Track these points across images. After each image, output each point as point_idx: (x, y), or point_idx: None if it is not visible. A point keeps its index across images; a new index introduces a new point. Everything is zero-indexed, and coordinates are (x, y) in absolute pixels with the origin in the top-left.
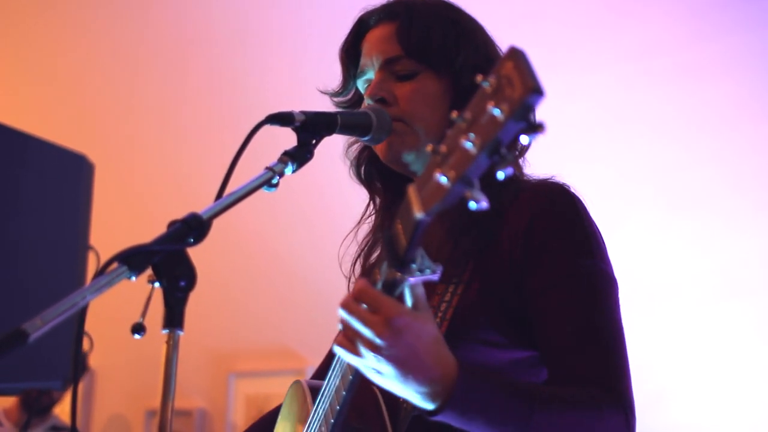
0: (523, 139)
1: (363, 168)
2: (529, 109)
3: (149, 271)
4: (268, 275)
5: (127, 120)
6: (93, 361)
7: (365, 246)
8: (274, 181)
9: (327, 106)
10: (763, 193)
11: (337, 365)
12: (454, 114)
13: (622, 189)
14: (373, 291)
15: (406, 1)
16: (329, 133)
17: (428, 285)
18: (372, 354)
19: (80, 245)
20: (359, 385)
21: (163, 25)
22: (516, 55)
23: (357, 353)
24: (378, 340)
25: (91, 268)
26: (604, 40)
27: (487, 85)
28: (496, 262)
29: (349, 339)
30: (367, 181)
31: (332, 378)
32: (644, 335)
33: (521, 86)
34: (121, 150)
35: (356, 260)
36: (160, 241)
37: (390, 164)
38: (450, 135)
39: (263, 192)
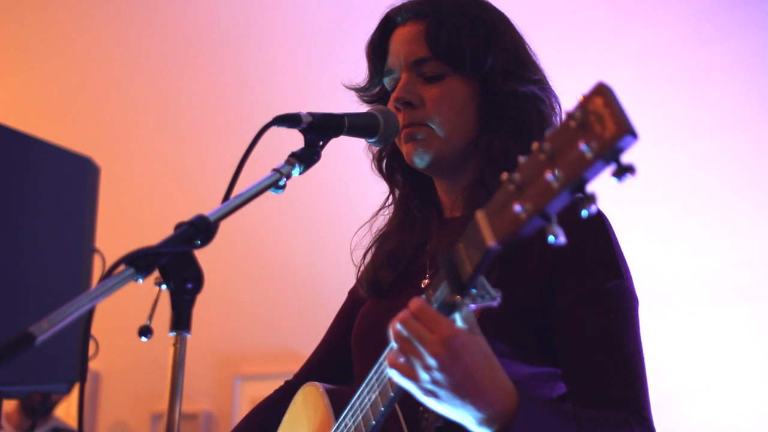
0: (612, 181)
1: (385, 162)
2: (621, 151)
3: (156, 274)
4: (274, 278)
5: (133, 122)
6: (98, 364)
7: (378, 236)
8: (282, 183)
9: (334, 107)
10: None
11: (374, 378)
12: (535, 145)
13: (626, 191)
14: (431, 310)
15: None
16: (336, 135)
17: None
18: (428, 375)
19: (86, 248)
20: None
21: (169, 27)
22: (605, 91)
23: (412, 373)
24: (433, 361)
25: (97, 271)
26: (608, 43)
27: (572, 118)
28: (522, 275)
29: (404, 356)
30: (388, 174)
31: (367, 391)
32: (653, 337)
33: (615, 127)
34: (127, 153)
35: (368, 251)
36: (168, 243)
37: (415, 167)
38: (527, 164)
39: (269, 194)
